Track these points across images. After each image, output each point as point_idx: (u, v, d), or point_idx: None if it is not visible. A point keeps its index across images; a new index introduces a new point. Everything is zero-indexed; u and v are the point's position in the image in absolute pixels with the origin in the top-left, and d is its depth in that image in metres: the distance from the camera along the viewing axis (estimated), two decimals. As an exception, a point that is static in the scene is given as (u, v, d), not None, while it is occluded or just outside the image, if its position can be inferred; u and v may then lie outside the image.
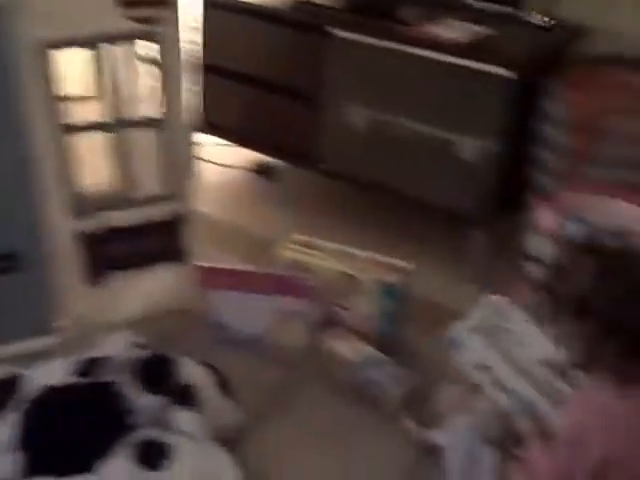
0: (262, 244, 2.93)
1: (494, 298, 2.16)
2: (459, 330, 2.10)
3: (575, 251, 1.63)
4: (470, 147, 2.82)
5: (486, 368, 2.05)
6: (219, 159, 3.87)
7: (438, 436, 2.17)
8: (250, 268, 2.63)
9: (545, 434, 1.88)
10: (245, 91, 3.44)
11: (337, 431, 2.29)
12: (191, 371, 2.16)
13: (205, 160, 3.80)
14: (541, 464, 1.73)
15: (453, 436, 2.13)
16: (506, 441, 2.05)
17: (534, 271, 2.65)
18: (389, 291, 2.49)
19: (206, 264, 2.63)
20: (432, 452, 2.16)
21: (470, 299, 2.84)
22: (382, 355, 2.45)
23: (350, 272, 2.52)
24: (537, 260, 2.63)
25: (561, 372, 1.92)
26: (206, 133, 3.69)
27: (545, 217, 2.59)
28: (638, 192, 2.67)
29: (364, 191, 3.34)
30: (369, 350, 2.47)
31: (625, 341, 1.55)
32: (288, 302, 2.52)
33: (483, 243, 2.98)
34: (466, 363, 2.09)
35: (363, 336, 2.54)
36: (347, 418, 2.33)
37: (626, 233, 2.40)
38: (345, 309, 2.58)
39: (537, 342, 2.06)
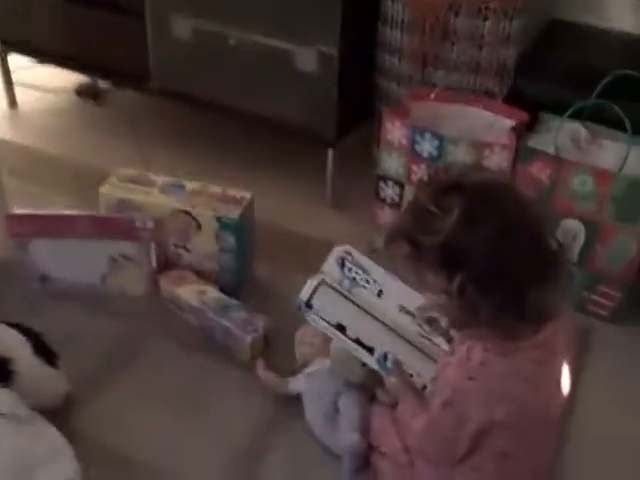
0: (92, 179, 2.52)
1: (347, 248, 1.87)
2: (310, 289, 1.82)
3: (434, 192, 1.39)
4: (309, 57, 2.53)
5: (344, 328, 1.82)
6: (36, 82, 3.42)
7: (297, 383, 1.98)
8: (72, 212, 2.28)
9: (416, 391, 1.73)
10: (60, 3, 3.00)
11: (187, 387, 2.05)
12: (3, 339, 1.84)
13: (19, 84, 3.34)
14: (417, 423, 1.58)
15: (312, 382, 1.95)
16: (369, 384, 1.89)
17: (390, 192, 2.47)
18: (230, 225, 2.21)
19: (20, 211, 2.28)
20: (291, 401, 1.97)
21: (329, 225, 2.71)
22: (229, 298, 2.20)
23: (186, 208, 2.23)
24: (391, 179, 2.45)
25: (430, 325, 1.71)
26: (16, 52, 3.23)
27: (393, 130, 2.38)
28: (483, 96, 2.54)
29: (202, 112, 2.99)
30: (214, 293, 2.21)
31: (503, 291, 1.35)
32: (119, 246, 2.22)
33: (334, 161, 2.75)
34: (322, 327, 1.84)
35: (207, 278, 2.28)
36: (197, 372, 2.08)
37: (477, 144, 2.25)
38: (185, 249, 2.30)
39: (399, 294, 1.78)
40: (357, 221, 2.72)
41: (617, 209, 2.14)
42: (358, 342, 1.78)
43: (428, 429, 1.54)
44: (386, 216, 2.52)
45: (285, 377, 2.01)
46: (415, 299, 1.71)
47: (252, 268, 2.42)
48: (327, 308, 1.80)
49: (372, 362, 1.79)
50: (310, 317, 1.81)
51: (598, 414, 2.03)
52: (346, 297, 1.79)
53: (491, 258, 1.32)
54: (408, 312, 1.78)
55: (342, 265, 1.81)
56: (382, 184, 2.48)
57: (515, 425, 1.44)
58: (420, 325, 1.76)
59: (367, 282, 1.80)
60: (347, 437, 1.83)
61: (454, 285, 1.34)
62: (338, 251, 1.83)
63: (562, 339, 1.47)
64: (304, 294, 1.80)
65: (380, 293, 1.80)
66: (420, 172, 2.38)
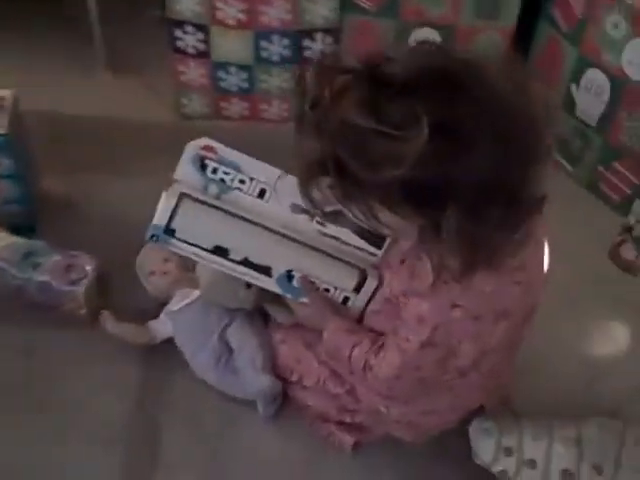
0: None
1: (205, 142, 1.28)
2: (168, 210, 1.28)
3: (369, 100, 0.87)
4: None
5: (225, 250, 1.32)
6: None
7: (162, 327, 1.50)
8: None
9: (340, 311, 1.33)
10: None
11: (22, 379, 1.50)
12: None
13: None
14: (381, 366, 1.19)
15: (184, 320, 1.49)
16: (259, 304, 1.46)
17: (191, 40, 1.90)
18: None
19: None
20: (163, 350, 1.51)
21: (117, 97, 2.15)
22: (29, 240, 1.60)
23: None
24: (190, 23, 1.86)
25: (334, 220, 1.23)
26: None
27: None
28: None
29: None
30: (6, 240, 1.58)
31: (500, 212, 0.91)
32: None
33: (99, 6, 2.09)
34: (193, 254, 1.33)
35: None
36: (26, 352, 1.52)
37: None
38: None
39: (286, 188, 1.27)
40: (152, 84, 2.18)
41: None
42: (247, 264, 1.32)
43: (402, 372, 1.16)
44: (192, 72, 1.97)
45: (143, 323, 1.52)
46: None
47: (43, 189, 1.82)
48: (196, 229, 1.30)
49: (271, 285, 1.34)
50: (173, 245, 1.31)
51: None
52: (219, 209, 1.29)
53: (486, 180, 0.88)
54: (304, 210, 1.30)
55: (202, 166, 1.28)
56: (178, 31, 1.90)
57: (508, 338, 1.11)
58: (321, 222, 1.32)
59: (242, 182, 1.29)
60: (255, 381, 1.41)
61: (435, 225, 0.91)
62: (193, 148, 1.27)
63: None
64: (160, 217, 1.28)
65: (262, 193, 1.29)
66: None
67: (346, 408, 1.40)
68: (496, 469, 1.35)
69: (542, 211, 0.97)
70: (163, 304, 1.54)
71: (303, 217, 1.30)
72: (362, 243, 1.31)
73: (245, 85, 1.99)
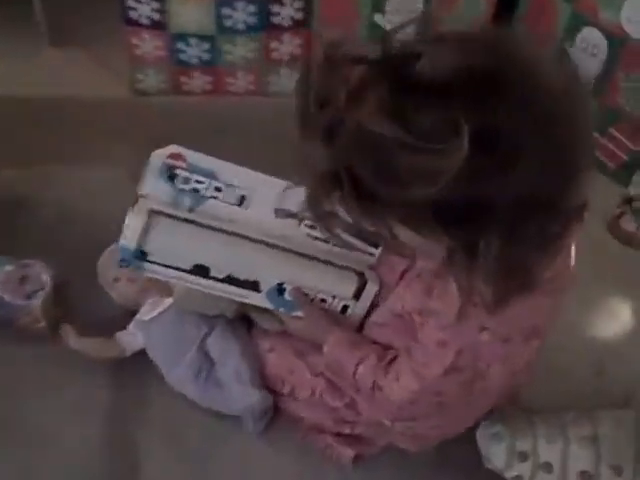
0: None
1: (173, 150, 1.11)
2: (137, 230, 1.12)
3: (393, 105, 0.70)
4: None
5: (205, 269, 1.17)
6: None
7: (132, 339, 1.34)
8: None
9: (340, 323, 1.19)
10: None
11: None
12: None
13: None
14: (394, 389, 1.06)
15: (158, 331, 1.33)
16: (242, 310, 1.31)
17: (145, 10, 1.71)
18: None
19: None
20: (135, 362, 1.35)
21: (62, 75, 1.95)
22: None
23: None
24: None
25: (325, 222, 1.06)
26: None
27: None
28: None
29: None
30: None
31: (538, 231, 0.75)
32: None
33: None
34: (170, 277, 1.19)
35: None
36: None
37: None
38: None
39: (268, 192, 1.13)
40: (104, 60, 1.99)
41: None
42: (232, 281, 1.17)
43: (419, 397, 1.03)
44: (147, 45, 1.78)
45: (111, 335, 1.35)
46: (292, 191, 1.06)
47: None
48: (171, 249, 1.14)
49: (261, 301, 1.20)
50: (147, 270, 1.16)
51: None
52: (194, 223, 1.13)
53: (530, 195, 0.72)
54: (290, 214, 1.15)
55: (171, 177, 1.12)
56: (130, 0, 1.70)
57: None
58: (311, 226, 1.16)
59: (217, 189, 1.14)
60: (242, 396, 1.27)
61: (467, 248, 0.76)
62: (158, 158, 1.11)
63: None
64: (128, 239, 1.12)
65: (242, 200, 1.14)
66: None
67: (344, 420, 1.27)
68: (510, 475, 1.25)
69: (583, 218, 0.83)
70: (132, 313, 1.37)
71: (289, 222, 1.15)
72: (357, 243, 1.16)
73: (207, 57, 1.81)
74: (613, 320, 1.62)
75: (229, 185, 1.13)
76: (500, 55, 0.71)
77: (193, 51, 1.81)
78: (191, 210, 1.14)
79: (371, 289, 1.19)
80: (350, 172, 0.72)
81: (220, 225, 1.13)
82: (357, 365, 1.11)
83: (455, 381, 0.99)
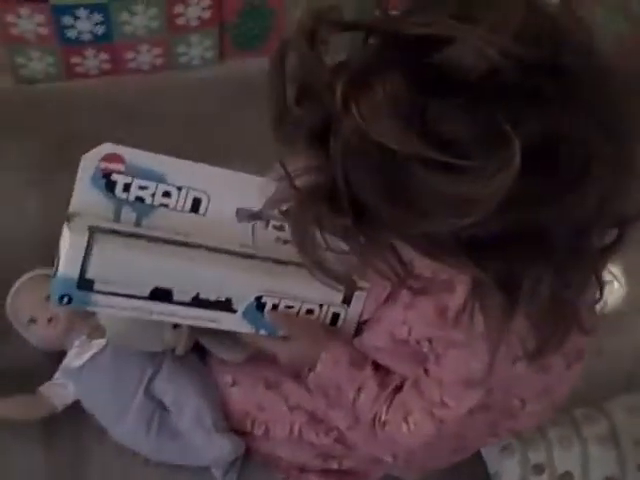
0: None
1: (108, 149, 0.88)
2: (79, 254, 0.87)
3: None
4: None
5: (167, 292, 0.93)
6: None
7: (61, 392, 1.10)
8: None
9: (331, 336, 0.98)
10: None
11: None
12: None
13: None
14: (404, 427, 0.86)
15: (93, 379, 1.09)
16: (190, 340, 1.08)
17: None
18: None
19: None
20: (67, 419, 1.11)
21: None
22: None
23: None
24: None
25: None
26: None
27: None
28: None
29: None
30: None
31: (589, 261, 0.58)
32: None
33: None
34: (121, 308, 0.93)
35: None
36: None
37: None
38: None
39: (227, 191, 0.93)
40: None
41: None
42: (200, 303, 0.94)
43: (435, 440, 0.85)
44: (26, 22, 1.47)
45: (33, 390, 1.11)
46: (253, 187, 0.77)
47: None
48: (122, 272, 0.91)
49: (239, 324, 0.97)
50: (94, 303, 0.91)
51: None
52: (146, 238, 0.90)
53: (588, 221, 0.54)
54: (255, 216, 0.93)
55: (109, 185, 0.90)
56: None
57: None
58: (279, 227, 0.95)
59: (166, 194, 0.92)
60: (208, 447, 1.06)
61: (503, 284, 0.56)
62: (89, 163, 0.88)
63: None
64: (68, 267, 0.88)
65: (197, 204, 0.93)
66: None
67: (331, 455, 1.08)
68: (527, 492, 1.11)
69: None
70: (58, 358, 1.13)
71: (255, 225, 0.94)
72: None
73: (101, 31, 1.52)
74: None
75: (179, 188, 0.92)
76: (561, 42, 0.50)
77: (83, 25, 1.51)
78: (137, 224, 0.91)
79: (362, 290, 0.99)
80: (348, 190, 0.52)
81: (176, 238, 0.91)
82: (358, 391, 0.92)
83: (481, 420, 0.81)
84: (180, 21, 1.56)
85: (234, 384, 1.09)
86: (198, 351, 1.12)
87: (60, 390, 1.10)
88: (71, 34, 1.52)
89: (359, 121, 0.48)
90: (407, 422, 0.86)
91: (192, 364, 1.11)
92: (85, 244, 0.88)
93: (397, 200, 0.50)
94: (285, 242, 0.96)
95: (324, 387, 0.97)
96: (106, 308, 0.93)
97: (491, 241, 0.52)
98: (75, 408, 1.11)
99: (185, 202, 0.93)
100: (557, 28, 0.51)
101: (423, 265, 0.59)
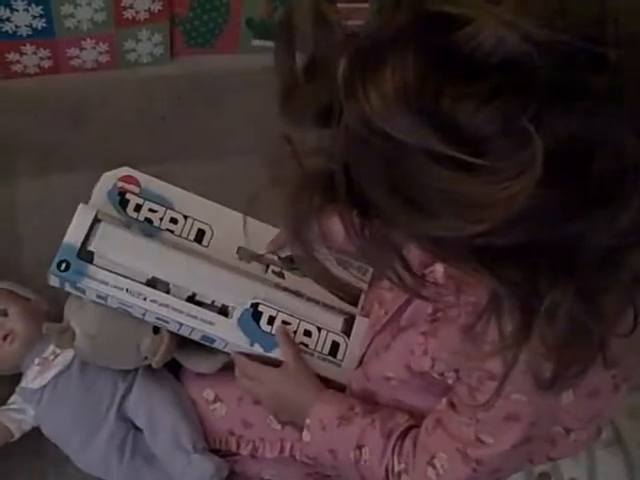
0: None
1: (126, 172, 1.00)
2: (86, 225, 0.94)
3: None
4: None
5: (160, 283, 0.94)
6: None
7: (21, 417, 0.98)
8: None
9: None
10: None
11: None
12: None
13: None
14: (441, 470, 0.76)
15: (59, 398, 0.98)
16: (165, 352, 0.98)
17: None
18: None
19: None
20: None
21: None
22: None
23: None
24: None
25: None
26: None
27: None
28: None
29: None
30: None
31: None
32: None
33: None
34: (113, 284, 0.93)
35: None
36: None
37: None
38: None
39: (229, 228, 0.99)
40: None
41: None
42: (195, 303, 0.94)
43: (478, 474, 0.75)
44: None
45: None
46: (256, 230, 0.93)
47: None
48: (123, 254, 0.94)
49: (231, 332, 0.93)
50: (90, 277, 0.92)
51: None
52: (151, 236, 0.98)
53: (626, 233, 0.46)
54: (253, 256, 0.99)
55: (122, 202, 0.99)
56: None
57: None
58: (279, 273, 0.99)
59: (173, 221, 1.01)
60: (188, 470, 0.95)
61: (524, 298, 0.49)
62: (109, 180, 0.99)
63: None
64: (73, 236, 0.93)
65: (201, 236, 1.00)
66: None
67: (325, 475, 0.99)
68: (533, 503, 1.05)
69: None
70: (13, 380, 1.01)
71: (254, 266, 1.00)
72: (336, 300, 0.97)
73: (41, 24, 1.41)
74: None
75: (186, 217, 1.02)
76: (607, 31, 0.42)
77: (21, 18, 1.40)
78: None
79: (361, 322, 0.96)
80: (346, 180, 0.46)
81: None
82: (360, 449, 0.83)
83: (521, 455, 0.74)
84: (128, 14, 1.46)
85: (216, 400, 0.99)
86: (171, 366, 1.02)
87: (16, 415, 0.99)
88: (7, 28, 1.40)
89: (363, 105, 0.42)
90: (434, 466, 0.77)
91: (165, 380, 1.01)
92: (92, 217, 0.94)
93: (402, 197, 0.44)
94: (284, 289, 0.98)
95: (317, 456, 0.88)
96: (100, 284, 0.93)
97: (507, 251, 0.46)
98: (36, 433, 0.99)
99: (190, 231, 1.00)
100: (604, 12, 0.44)
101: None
